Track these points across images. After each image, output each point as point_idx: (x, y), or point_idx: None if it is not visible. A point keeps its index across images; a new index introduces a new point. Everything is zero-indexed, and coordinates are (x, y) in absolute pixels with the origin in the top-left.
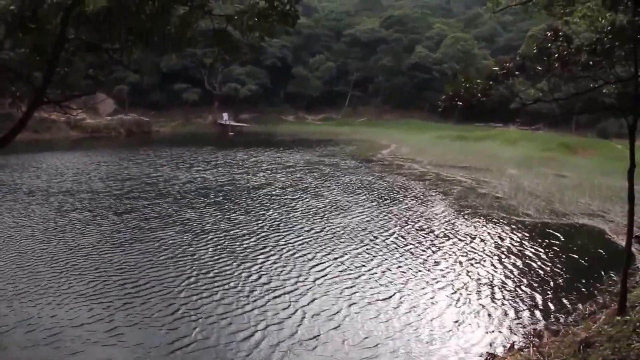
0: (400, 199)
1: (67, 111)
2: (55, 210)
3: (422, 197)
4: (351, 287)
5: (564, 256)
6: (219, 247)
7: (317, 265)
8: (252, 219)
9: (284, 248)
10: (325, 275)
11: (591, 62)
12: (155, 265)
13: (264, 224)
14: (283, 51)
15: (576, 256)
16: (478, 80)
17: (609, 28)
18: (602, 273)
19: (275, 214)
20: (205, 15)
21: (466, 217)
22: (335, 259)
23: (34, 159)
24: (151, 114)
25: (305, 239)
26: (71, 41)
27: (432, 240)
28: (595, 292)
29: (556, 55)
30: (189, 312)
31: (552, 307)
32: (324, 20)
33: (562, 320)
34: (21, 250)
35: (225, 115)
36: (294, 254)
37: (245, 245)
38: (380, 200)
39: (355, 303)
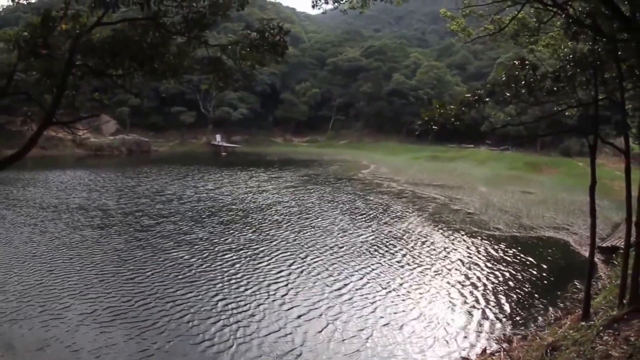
0: (386, 216)
1: (74, 131)
2: (69, 226)
3: (401, 214)
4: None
5: (532, 266)
6: (240, 266)
7: (344, 286)
8: (267, 238)
9: (307, 267)
10: (353, 296)
11: (555, 88)
12: (178, 285)
13: (279, 243)
14: (272, 78)
15: (543, 266)
16: (452, 106)
17: (571, 56)
18: (567, 282)
19: (287, 233)
20: (201, 45)
21: (441, 232)
22: (357, 280)
23: (44, 175)
24: (150, 134)
25: (323, 258)
26: (79, 67)
27: (412, 255)
28: (561, 299)
29: (523, 82)
30: (224, 335)
31: (521, 313)
32: (310, 50)
33: (530, 326)
34: (36, 268)
35: (218, 137)
36: (318, 273)
37: (268, 265)
38: (372, 219)
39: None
